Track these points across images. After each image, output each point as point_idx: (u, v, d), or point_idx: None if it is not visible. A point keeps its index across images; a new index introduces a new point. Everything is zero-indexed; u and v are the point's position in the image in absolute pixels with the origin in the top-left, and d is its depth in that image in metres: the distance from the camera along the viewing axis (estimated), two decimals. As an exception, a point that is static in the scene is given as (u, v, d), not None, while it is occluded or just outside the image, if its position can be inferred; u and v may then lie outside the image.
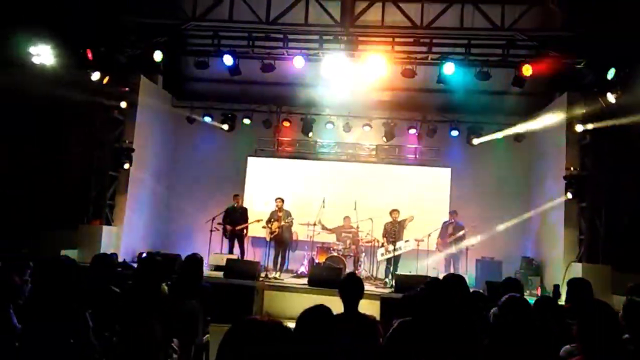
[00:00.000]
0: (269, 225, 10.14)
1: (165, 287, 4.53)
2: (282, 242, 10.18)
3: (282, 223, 10.08)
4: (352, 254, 10.33)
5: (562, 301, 5.82)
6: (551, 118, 10.68)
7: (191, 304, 4.42)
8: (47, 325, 2.85)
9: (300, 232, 10.97)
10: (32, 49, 9.21)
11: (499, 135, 11.61)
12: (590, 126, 9.30)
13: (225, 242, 10.88)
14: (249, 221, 10.71)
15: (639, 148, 9.36)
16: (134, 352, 3.40)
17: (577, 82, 9.56)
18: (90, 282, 4.02)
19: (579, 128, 9.42)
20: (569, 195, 9.47)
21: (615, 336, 2.43)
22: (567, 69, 9.27)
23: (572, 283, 4.19)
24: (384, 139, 12.09)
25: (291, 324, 2.31)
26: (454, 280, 3.66)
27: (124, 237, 10.53)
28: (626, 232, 9.20)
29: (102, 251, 8.90)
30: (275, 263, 10.13)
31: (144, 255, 8.38)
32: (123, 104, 10.31)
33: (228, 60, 9.45)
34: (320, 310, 2.20)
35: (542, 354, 2.85)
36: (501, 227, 11.11)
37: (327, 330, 2.13)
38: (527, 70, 8.85)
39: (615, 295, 7.90)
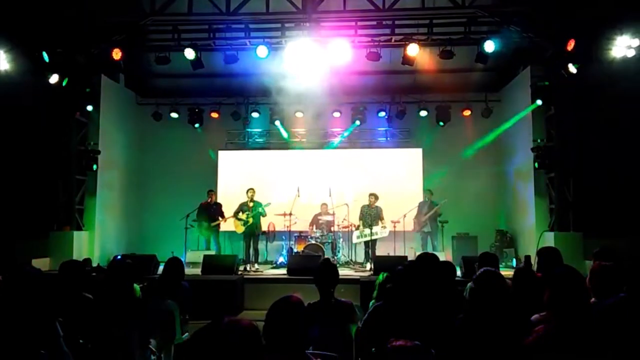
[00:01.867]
0: (242, 216, 10.04)
1: (138, 288, 4.46)
2: (253, 233, 10.09)
3: (253, 213, 9.98)
4: (330, 241, 10.37)
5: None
6: (516, 92, 10.86)
7: (167, 303, 4.38)
8: (15, 337, 2.76)
9: (277, 222, 10.94)
10: (-15, 55, 8.89)
11: (467, 112, 11.77)
12: (554, 98, 9.50)
13: (202, 238, 10.79)
14: (224, 216, 10.59)
15: (602, 116, 9.59)
16: (109, 357, 3.35)
17: (539, 56, 9.70)
18: (59, 290, 3.92)
19: (543, 100, 9.59)
20: (537, 167, 9.66)
21: (582, 301, 2.48)
22: (528, 43, 9.39)
23: (542, 252, 4.27)
24: (356, 123, 12.08)
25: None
26: (427, 259, 3.69)
27: (97, 241, 10.34)
28: (594, 199, 9.45)
29: (74, 257, 8.75)
30: (247, 255, 10.04)
31: (119, 257, 8.24)
32: (88, 106, 10.05)
33: (190, 54, 9.27)
34: (291, 301, 2.19)
35: (517, 325, 2.89)
36: (475, 202, 11.29)
37: (298, 321, 2.12)
38: (489, 46, 8.93)
39: (587, 260, 8.13)
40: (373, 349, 2.83)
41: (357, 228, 10.42)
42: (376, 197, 10.48)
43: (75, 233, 9.79)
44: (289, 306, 2.16)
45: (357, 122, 12.05)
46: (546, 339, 2.13)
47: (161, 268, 6.21)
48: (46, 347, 2.90)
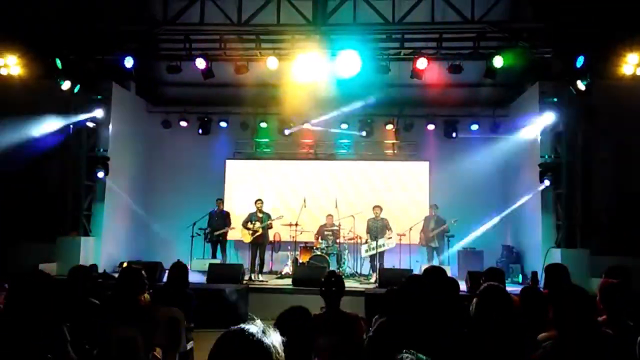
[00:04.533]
0: (251, 226, 10.07)
1: (147, 296, 4.47)
2: (261, 243, 10.15)
3: (263, 224, 10.04)
4: (335, 252, 10.36)
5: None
6: (525, 107, 10.87)
7: (172, 311, 4.38)
8: (23, 341, 2.78)
9: (282, 232, 10.95)
10: (-1, 60, 9.03)
11: (474, 127, 11.75)
12: (562, 114, 9.52)
13: (208, 247, 10.80)
14: (231, 225, 10.64)
15: (610, 133, 9.58)
16: (115, 364, 3.35)
17: (547, 72, 9.73)
18: (67, 295, 3.94)
19: (552, 116, 9.61)
20: (546, 183, 9.62)
21: (589, 320, 2.46)
22: (537, 59, 9.42)
23: (550, 269, 4.26)
24: (362, 135, 12.13)
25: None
26: (434, 273, 3.69)
27: (104, 247, 10.38)
28: (602, 216, 9.40)
29: (81, 262, 8.79)
30: (253, 265, 10.05)
31: (125, 264, 8.28)
32: (98, 113, 10.15)
33: (200, 63, 9.35)
34: (298, 312, 2.19)
35: (521, 341, 2.88)
36: (481, 217, 11.24)
37: (305, 332, 2.13)
38: (498, 61, 8.95)
39: (593, 278, 8.07)
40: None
41: (366, 242, 10.40)
42: (380, 209, 10.48)
43: (83, 239, 9.84)
44: (297, 316, 2.17)
45: (363, 134, 12.12)
46: (552, 355, 2.13)
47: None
48: (53, 351, 2.92)
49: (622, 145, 9.79)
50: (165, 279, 7.85)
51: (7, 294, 3.78)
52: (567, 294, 2.52)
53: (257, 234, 10.03)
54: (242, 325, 1.46)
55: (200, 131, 12.15)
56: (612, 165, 10.06)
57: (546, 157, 9.80)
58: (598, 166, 9.87)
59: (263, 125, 12.25)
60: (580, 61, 8.52)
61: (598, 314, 2.93)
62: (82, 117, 10.12)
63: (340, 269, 10.10)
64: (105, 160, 10.26)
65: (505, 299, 3.07)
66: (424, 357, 1.71)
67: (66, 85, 9.34)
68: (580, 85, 8.64)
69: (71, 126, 10.14)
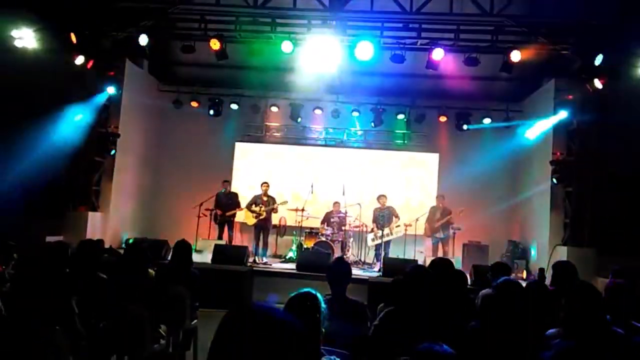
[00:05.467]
0: (256, 209, 10.10)
1: (152, 272, 4.51)
2: (265, 226, 10.19)
3: (268, 207, 10.08)
4: (340, 239, 10.38)
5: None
6: (539, 104, 10.76)
7: (178, 289, 4.42)
8: (32, 312, 2.82)
9: (288, 217, 10.98)
10: (15, 32, 9.02)
11: (487, 120, 11.66)
12: (576, 111, 9.41)
13: (213, 227, 10.84)
14: (240, 205, 10.66)
15: (625, 133, 9.47)
16: (120, 337, 3.40)
17: (564, 68, 9.61)
18: (76, 269, 3.98)
19: (566, 113, 9.51)
20: (556, 180, 9.55)
21: (598, 317, 2.45)
22: (555, 55, 9.30)
23: (558, 266, 4.24)
24: (373, 124, 12.08)
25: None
26: (441, 264, 3.68)
27: (111, 223, 10.45)
28: (611, 216, 9.33)
29: (88, 237, 8.85)
30: (257, 247, 10.10)
31: (130, 241, 8.34)
32: (110, 89, 10.14)
33: (215, 44, 9.32)
34: (308, 297, 2.20)
35: (531, 337, 2.88)
36: (488, 211, 11.20)
37: (315, 316, 2.13)
38: (515, 56, 8.85)
39: (599, 277, 8.04)
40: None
41: (372, 231, 10.41)
42: (385, 198, 10.49)
43: (91, 214, 9.91)
44: (309, 299, 2.17)
45: (372, 124, 12.07)
46: (565, 354, 2.12)
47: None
48: (61, 323, 2.96)
49: (635, 146, 9.66)
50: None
51: (15, 265, 3.82)
52: (577, 291, 2.51)
53: (261, 217, 10.07)
54: (254, 302, 1.40)
55: (211, 112, 12.13)
56: (623, 165, 9.95)
57: (558, 153, 9.71)
58: (609, 165, 9.76)
59: (274, 109, 12.22)
60: (599, 59, 8.40)
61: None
62: (95, 92, 10.12)
63: (344, 257, 10.13)
64: (115, 136, 10.29)
65: (521, 294, 3.06)
66: (449, 350, 1.70)
67: (80, 60, 9.33)
68: (598, 84, 8.54)
69: (83, 101, 10.14)
